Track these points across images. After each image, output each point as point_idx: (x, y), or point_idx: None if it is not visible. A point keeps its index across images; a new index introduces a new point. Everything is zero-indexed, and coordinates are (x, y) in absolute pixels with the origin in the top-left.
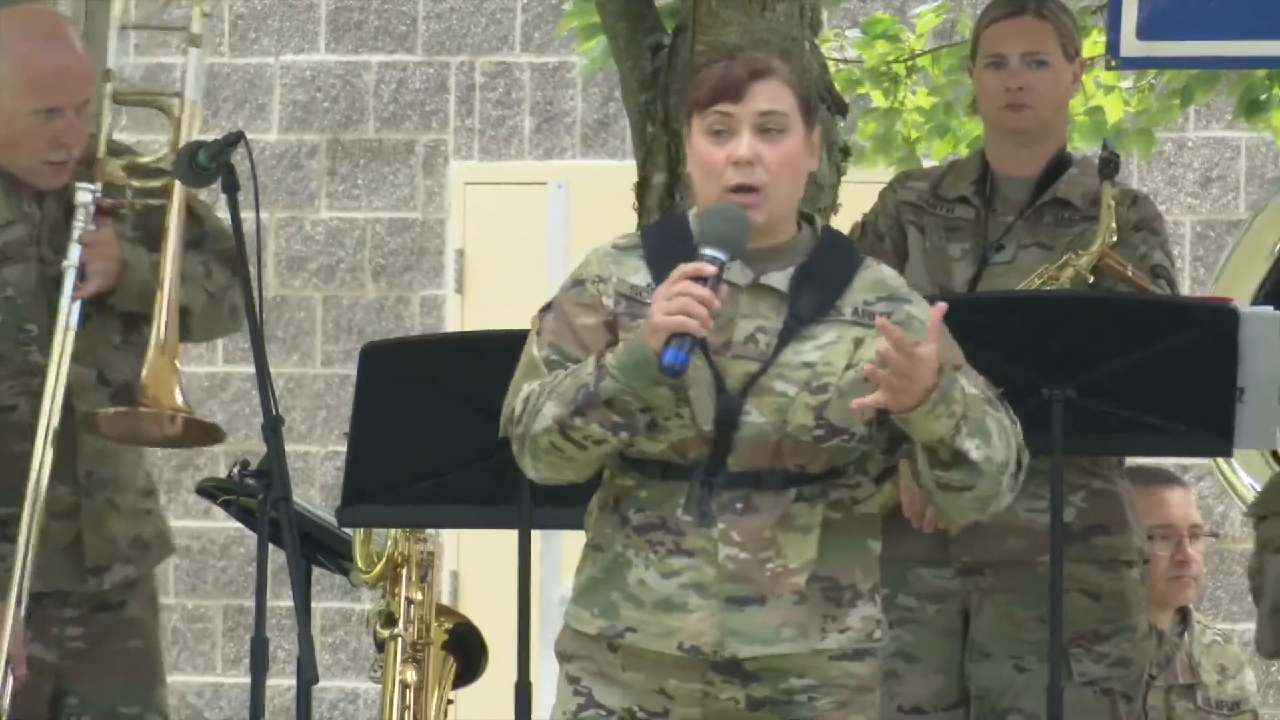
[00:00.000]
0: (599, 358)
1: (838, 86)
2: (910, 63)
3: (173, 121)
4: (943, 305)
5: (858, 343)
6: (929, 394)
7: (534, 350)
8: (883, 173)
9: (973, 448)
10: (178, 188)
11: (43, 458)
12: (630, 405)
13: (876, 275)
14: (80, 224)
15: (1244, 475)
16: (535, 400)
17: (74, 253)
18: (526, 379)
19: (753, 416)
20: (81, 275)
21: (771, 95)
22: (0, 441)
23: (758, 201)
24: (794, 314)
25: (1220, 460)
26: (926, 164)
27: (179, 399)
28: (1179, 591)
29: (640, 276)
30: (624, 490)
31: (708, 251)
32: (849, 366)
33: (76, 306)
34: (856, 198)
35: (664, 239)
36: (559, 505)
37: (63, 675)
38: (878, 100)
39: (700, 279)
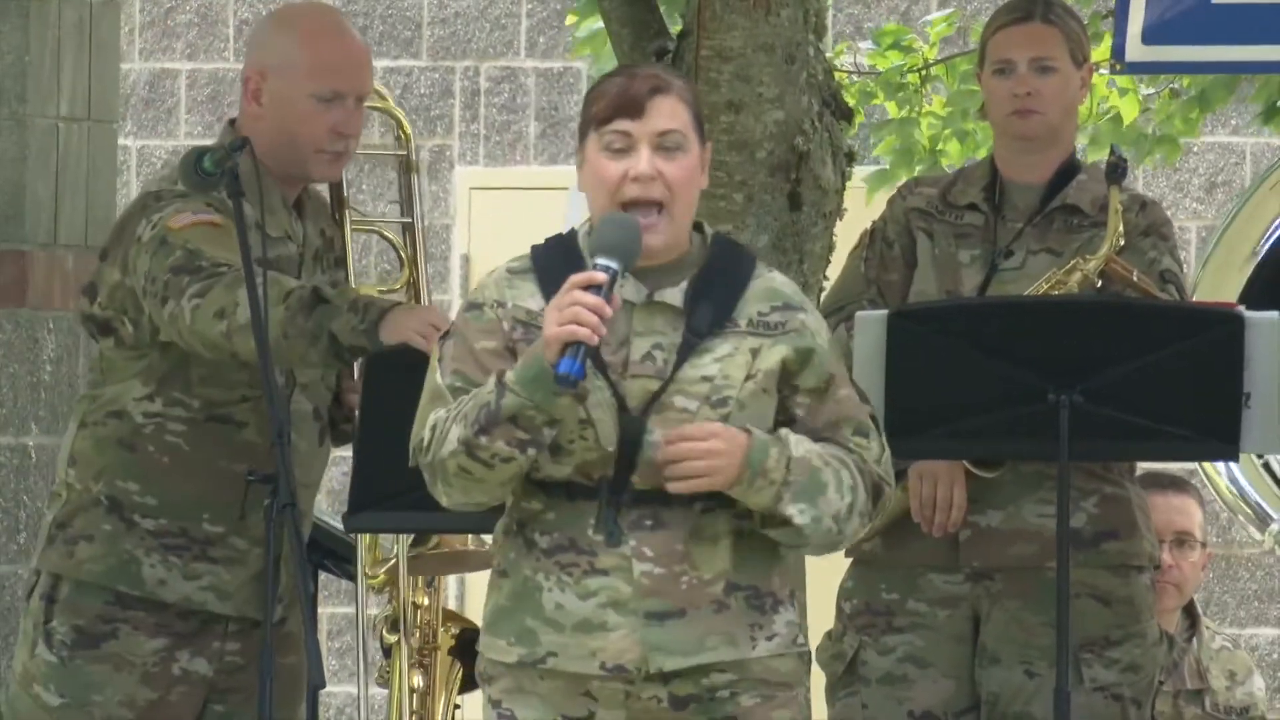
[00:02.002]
0: (499, 376)
1: (851, 99)
2: (924, 72)
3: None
4: (712, 427)
5: (755, 353)
6: (741, 474)
7: (437, 378)
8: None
9: (796, 513)
10: None
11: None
12: (534, 420)
13: (769, 284)
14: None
15: (1245, 486)
16: (442, 426)
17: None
18: (432, 407)
19: (656, 435)
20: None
21: (671, 112)
22: (220, 458)
23: (658, 224)
24: (690, 329)
25: (1214, 473)
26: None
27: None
28: (1157, 598)
29: (535, 301)
30: (530, 514)
31: (600, 260)
32: (748, 378)
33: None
34: (858, 201)
35: (554, 258)
36: None
37: (215, 688)
38: (893, 112)
39: (592, 287)
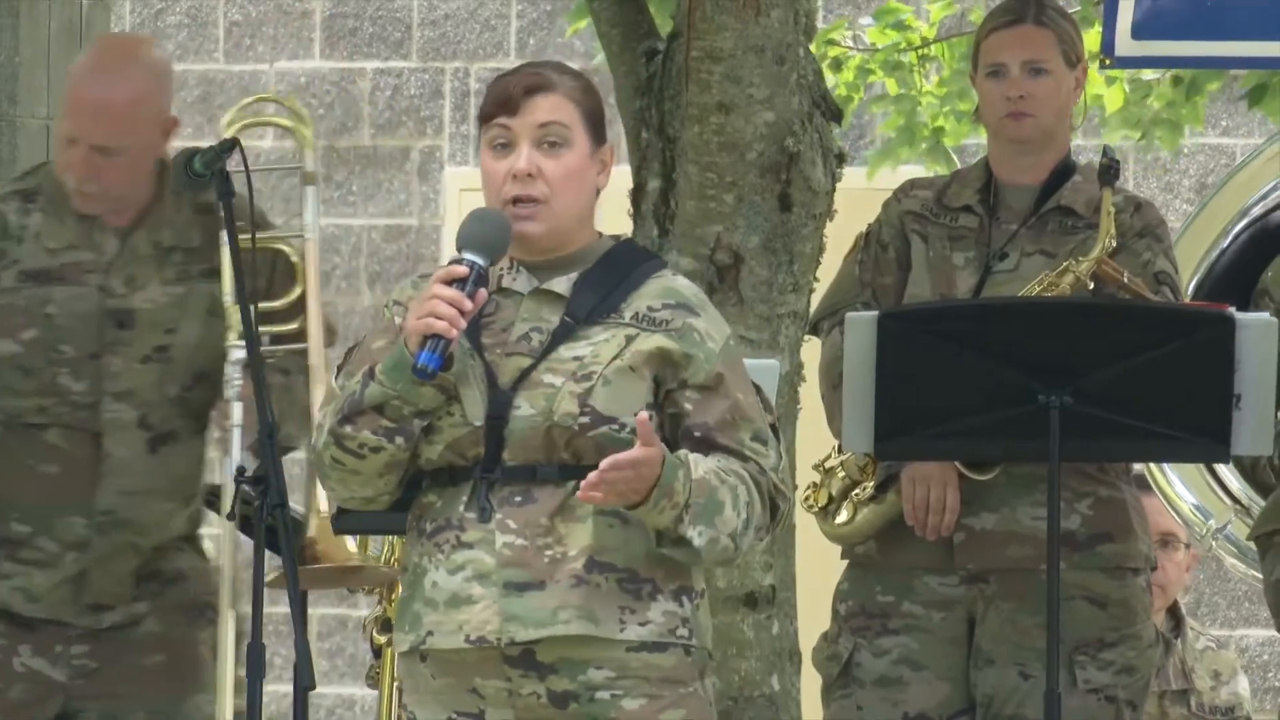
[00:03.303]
0: (370, 368)
1: (850, 75)
2: (922, 51)
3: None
4: (645, 417)
5: (630, 339)
6: (648, 495)
7: (332, 381)
8: (878, 178)
9: (695, 534)
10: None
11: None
12: (400, 410)
13: (671, 284)
14: (236, 382)
15: (1180, 487)
16: (322, 420)
17: (235, 411)
18: (323, 409)
19: (522, 410)
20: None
21: (551, 108)
22: (28, 458)
23: (535, 212)
24: (569, 314)
25: (1158, 474)
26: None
27: (352, 548)
28: None
29: None
30: (425, 507)
31: (465, 255)
32: (616, 358)
33: (241, 457)
34: (852, 203)
35: None
36: None
37: (72, 694)
38: (891, 88)
39: (454, 281)
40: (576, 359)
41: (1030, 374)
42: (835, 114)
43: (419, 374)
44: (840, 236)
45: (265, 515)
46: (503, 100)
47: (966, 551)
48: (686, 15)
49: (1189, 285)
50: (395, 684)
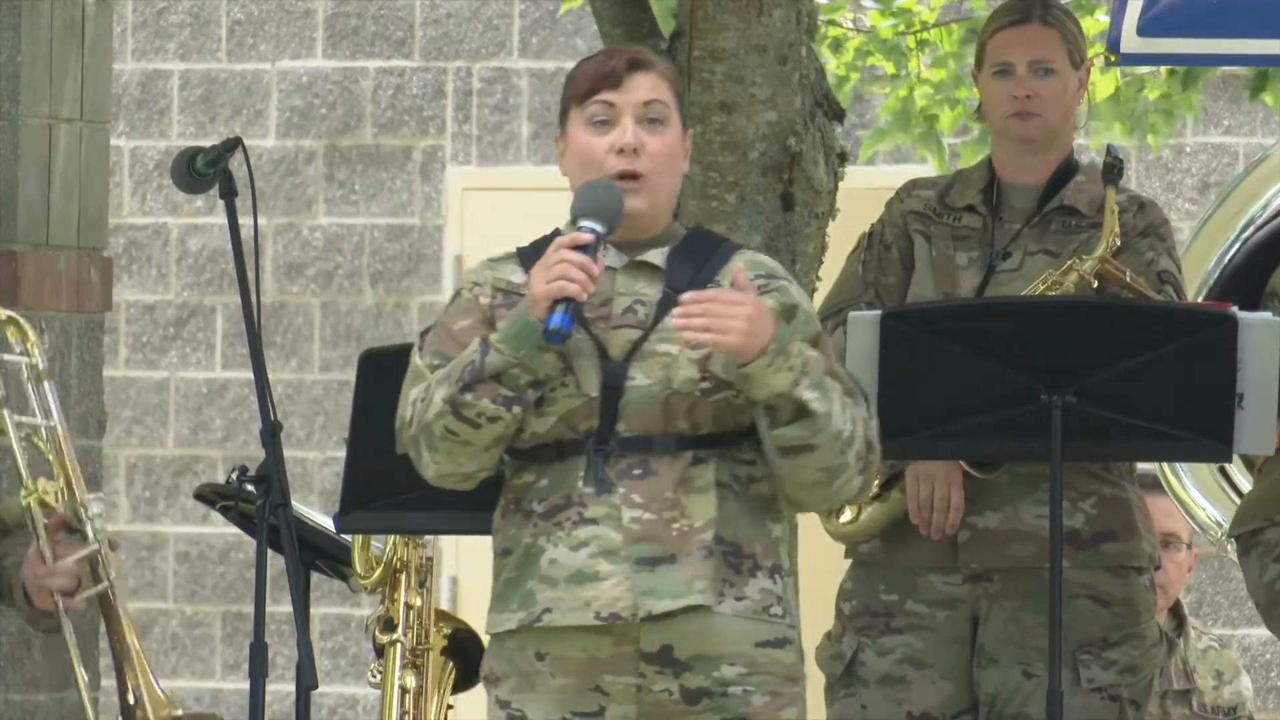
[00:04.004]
0: (484, 338)
1: (849, 56)
2: (920, 35)
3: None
4: (741, 268)
5: None
6: (767, 346)
7: (417, 360)
8: (880, 178)
9: (814, 398)
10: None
11: None
12: (518, 378)
13: (754, 257)
14: (93, 536)
15: (1194, 490)
16: (425, 395)
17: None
18: (412, 386)
19: (638, 380)
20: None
21: (652, 86)
22: None
23: (639, 187)
24: (670, 285)
25: (1170, 476)
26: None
27: (163, 699)
28: None
29: (518, 276)
30: (524, 488)
31: (584, 223)
32: None
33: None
34: (854, 202)
35: (538, 249)
36: None
37: None
38: (889, 69)
39: (578, 247)
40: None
41: (1033, 373)
42: (838, 113)
43: (551, 338)
44: (842, 236)
45: (267, 514)
46: (605, 75)
47: (970, 550)
48: (688, 15)
49: (1199, 287)
50: (398, 684)
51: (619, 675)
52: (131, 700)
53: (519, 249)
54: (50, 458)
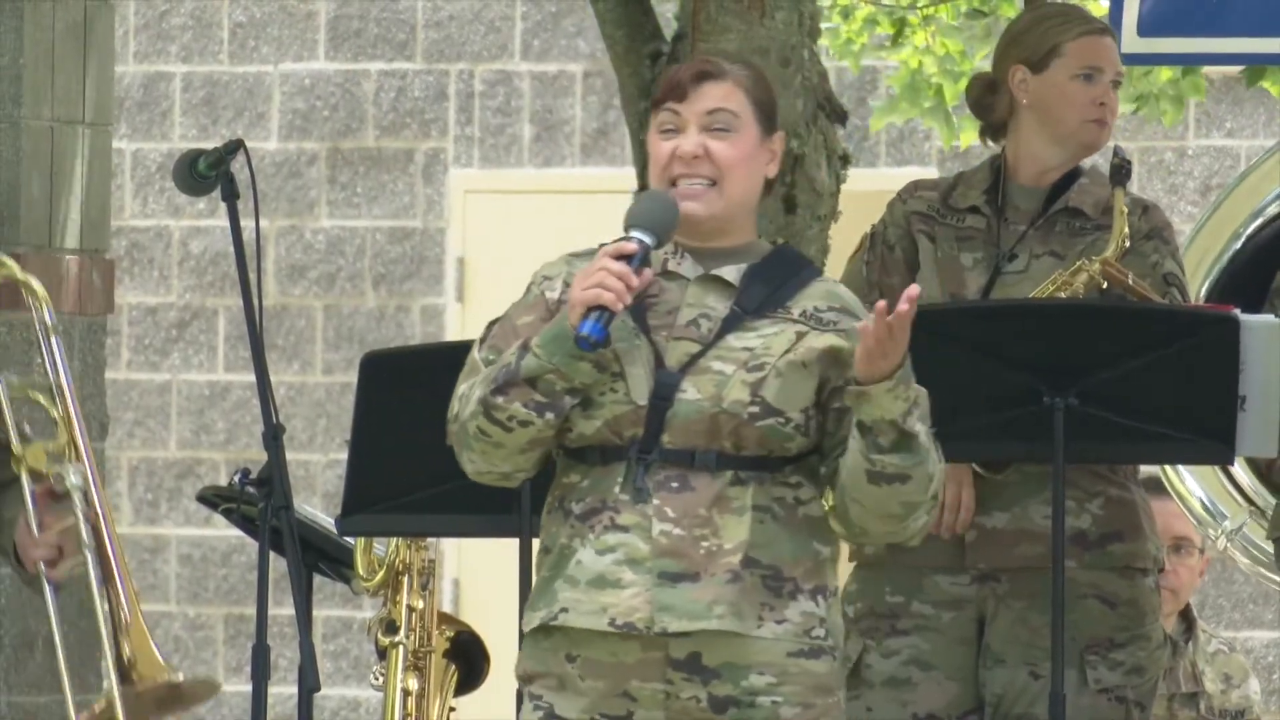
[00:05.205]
0: (525, 341)
1: (857, 23)
2: (926, 11)
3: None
4: (916, 288)
5: (800, 335)
6: (895, 370)
7: (475, 354)
8: (883, 180)
9: (922, 431)
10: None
11: None
12: (553, 384)
13: (832, 288)
14: (79, 509)
15: (1193, 485)
16: (468, 391)
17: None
18: (465, 380)
19: (689, 394)
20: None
21: (722, 96)
22: None
23: (702, 193)
24: (739, 304)
25: (1171, 474)
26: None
27: (161, 663)
28: None
29: None
30: (568, 487)
31: (633, 233)
32: (788, 352)
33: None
34: (860, 206)
35: None
36: None
37: None
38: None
39: (622, 257)
40: (747, 349)
41: (1035, 375)
42: (840, 115)
43: (581, 344)
44: (845, 238)
45: (270, 517)
46: (673, 86)
47: (978, 550)
48: (691, 17)
49: (1201, 287)
50: (400, 686)
51: (646, 681)
52: (127, 659)
53: (601, 244)
54: (54, 415)
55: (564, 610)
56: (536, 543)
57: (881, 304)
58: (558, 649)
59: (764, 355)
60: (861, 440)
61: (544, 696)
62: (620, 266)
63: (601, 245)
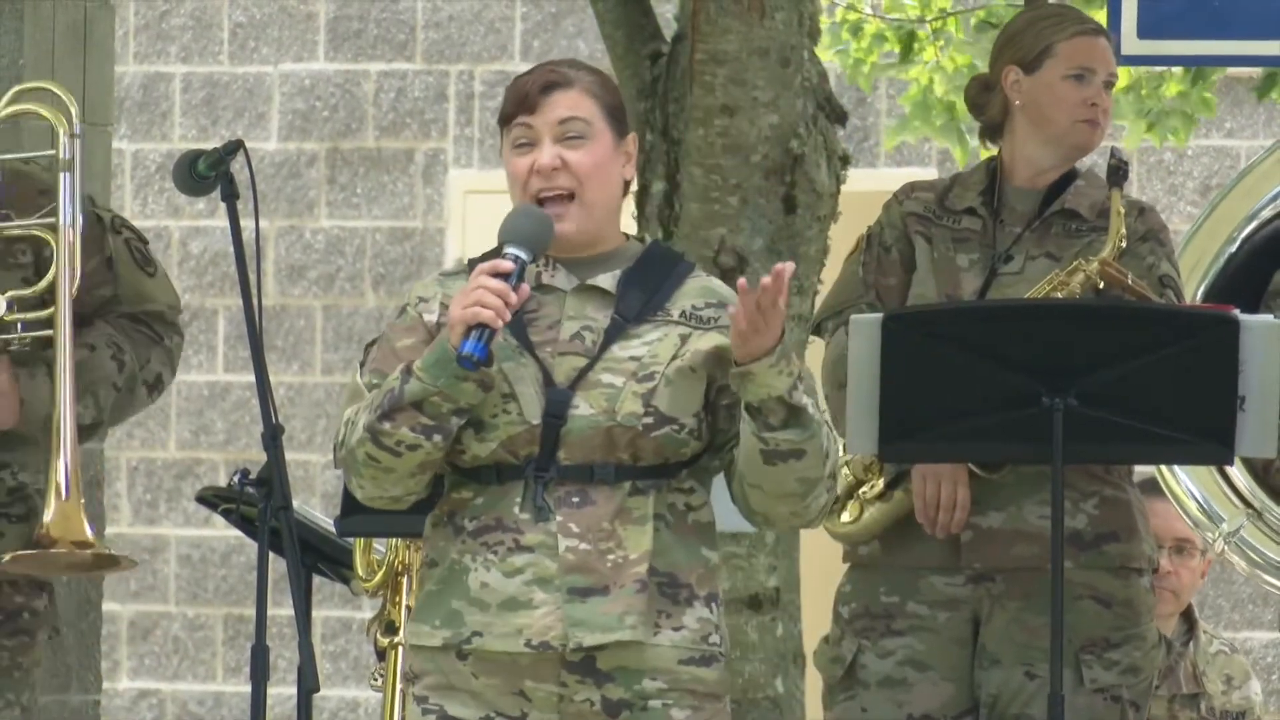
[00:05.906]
0: (407, 365)
1: (865, 40)
2: (935, 25)
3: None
4: (790, 265)
5: (684, 339)
6: (775, 346)
7: (357, 379)
8: (882, 180)
9: (809, 404)
10: (65, 308)
11: None
12: (439, 407)
13: (706, 283)
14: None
15: (1190, 487)
16: (354, 417)
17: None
18: (349, 405)
19: (581, 409)
20: None
21: (571, 104)
22: None
23: (568, 211)
24: (619, 313)
25: (1168, 475)
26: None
27: (88, 532)
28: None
29: None
30: (460, 503)
31: (508, 250)
32: (675, 357)
33: None
34: (859, 206)
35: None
36: None
37: None
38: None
39: (498, 275)
40: (634, 359)
41: (1034, 376)
42: (839, 116)
43: (464, 363)
44: (844, 239)
45: (269, 517)
46: (521, 99)
47: (973, 550)
48: (691, 18)
49: (1198, 288)
50: (399, 686)
51: (540, 682)
52: (47, 521)
53: (470, 260)
54: (51, 252)
55: (477, 634)
56: None
57: (742, 281)
58: (449, 648)
59: (652, 364)
60: (753, 423)
61: (431, 698)
62: (498, 284)
63: (471, 262)
